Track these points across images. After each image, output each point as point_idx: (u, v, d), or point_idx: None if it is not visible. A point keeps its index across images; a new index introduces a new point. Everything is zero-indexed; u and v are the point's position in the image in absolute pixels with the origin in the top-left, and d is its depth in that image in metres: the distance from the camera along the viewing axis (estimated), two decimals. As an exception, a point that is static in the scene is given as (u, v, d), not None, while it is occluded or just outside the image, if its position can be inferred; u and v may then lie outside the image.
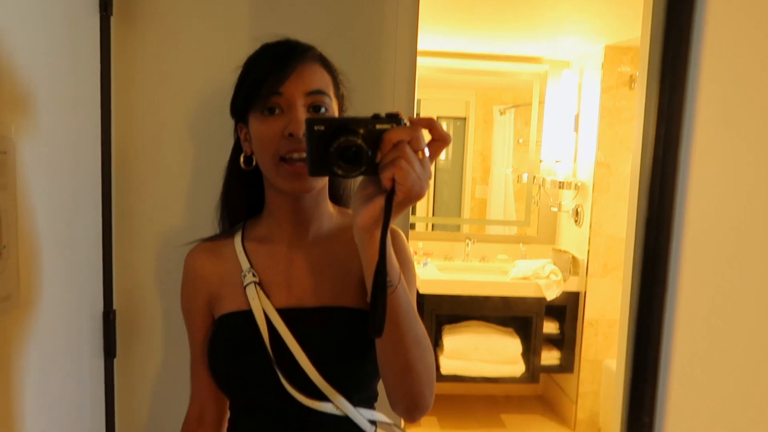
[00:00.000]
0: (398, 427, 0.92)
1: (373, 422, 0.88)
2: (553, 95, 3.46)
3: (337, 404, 0.82)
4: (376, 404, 0.92)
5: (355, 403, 0.85)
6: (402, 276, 0.75)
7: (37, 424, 0.95)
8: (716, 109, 0.61)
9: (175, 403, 1.32)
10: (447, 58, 3.40)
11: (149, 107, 1.22)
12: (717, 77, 0.63)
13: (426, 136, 0.69)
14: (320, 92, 0.83)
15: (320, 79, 0.84)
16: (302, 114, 0.81)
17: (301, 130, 0.76)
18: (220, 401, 0.95)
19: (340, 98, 0.89)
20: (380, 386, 0.86)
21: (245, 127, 0.88)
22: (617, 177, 3.15)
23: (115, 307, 1.23)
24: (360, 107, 1.20)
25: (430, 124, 0.68)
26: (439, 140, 0.69)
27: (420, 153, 0.67)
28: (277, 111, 0.82)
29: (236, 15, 1.21)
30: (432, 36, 3.05)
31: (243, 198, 0.94)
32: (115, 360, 1.24)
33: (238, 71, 0.87)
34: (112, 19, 1.16)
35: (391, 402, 0.83)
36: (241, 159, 0.90)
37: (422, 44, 1.33)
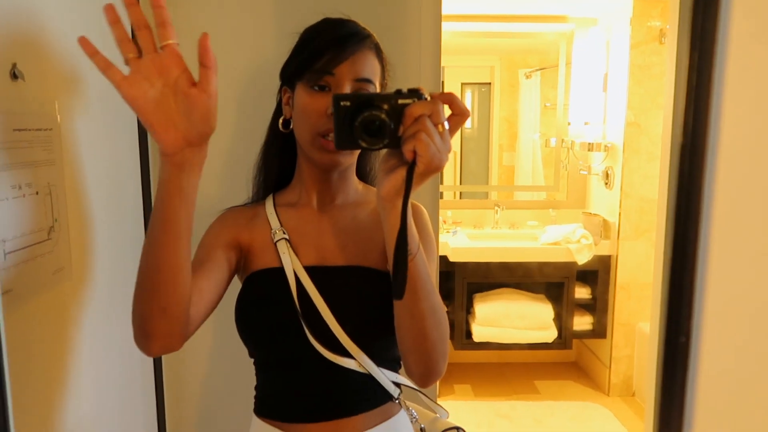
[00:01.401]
0: (420, 392, 0.95)
1: (397, 385, 0.91)
2: (580, 55, 3.38)
3: (360, 360, 0.86)
4: (400, 371, 0.94)
5: (379, 363, 0.88)
6: (421, 247, 0.79)
7: (92, 397, 0.99)
8: (747, 61, 0.59)
9: (224, 376, 1.36)
10: (469, 21, 3.34)
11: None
12: (748, 28, 0.61)
13: (446, 110, 0.72)
14: (368, 80, 0.87)
15: (371, 67, 0.88)
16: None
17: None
18: (197, 312, 0.87)
19: (383, 87, 0.93)
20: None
21: (290, 92, 0.92)
22: (648, 137, 3.08)
23: (158, 279, 1.26)
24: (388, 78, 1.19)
25: (450, 99, 0.72)
26: (459, 114, 0.73)
27: (440, 126, 0.70)
28: (326, 89, 0.86)
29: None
30: None
31: (278, 159, 0.97)
32: (162, 330, 1.28)
33: (295, 37, 0.91)
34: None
35: (407, 368, 0.87)
36: (280, 121, 0.94)
37: (444, 8, 1.31)
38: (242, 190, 1.02)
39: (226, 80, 1.24)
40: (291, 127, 0.91)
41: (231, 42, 1.24)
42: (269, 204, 0.95)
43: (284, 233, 0.89)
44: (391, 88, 0.77)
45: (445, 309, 0.86)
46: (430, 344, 0.82)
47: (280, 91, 0.95)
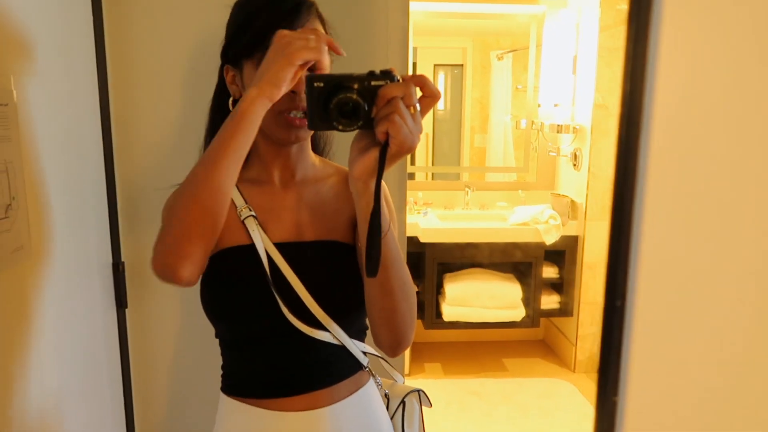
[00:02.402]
0: (386, 360, 0.99)
1: (364, 353, 0.94)
2: (550, 37, 3.41)
3: (334, 332, 0.88)
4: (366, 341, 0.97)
5: (350, 334, 0.91)
6: (391, 224, 0.81)
7: (54, 372, 0.98)
8: (678, 34, 0.60)
9: (189, 350, 1.36)
10: (442, 1, 3.33)
11: (142, 52, 1.20)
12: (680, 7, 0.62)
13: (418, 92, 0.73)
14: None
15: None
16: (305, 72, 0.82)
17: (303, 87, 0.78)
18: None
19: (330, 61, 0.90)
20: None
21: (234, 71, 0.89)
22: (616, 118, 3.12)
23: (123, 259, 1.25)
24: (354, 58, 1.19)
25: (422, 81, 0.73)
26: (430, 96, 0.74)
27: (412, 108, 0.72)
28: None
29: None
30: (426, -20, 2.98)
31: None
32: (127, 310, 1.27)
33: (228, 10, 0.87)
34: (101, -34, 1.13)
35: (376, 339, 0.90)
36: (230, 102, 0.90)
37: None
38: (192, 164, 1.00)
39: (180, 48, 1.22)
40: None
41: (189, 11, 1.21)
42: None
43: (251, 210, 0.89)
44: (356, 68, 0.77)
45: (416, 289, 0.88)
46: (399, 316, 0.85)
47: (221, 70, 0.91)
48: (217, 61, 0.92)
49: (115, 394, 1.25)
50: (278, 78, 0.73)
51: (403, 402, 1.03)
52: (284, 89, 0.74)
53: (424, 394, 1.06)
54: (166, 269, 0.75)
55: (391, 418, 1.02)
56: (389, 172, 1.35)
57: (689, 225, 0.42)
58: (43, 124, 0.94)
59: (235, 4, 0.89)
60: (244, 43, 0.85)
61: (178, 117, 1.24)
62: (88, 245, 1.13)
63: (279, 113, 0.84)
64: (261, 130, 0.87)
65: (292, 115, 0.84)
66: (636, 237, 0.38)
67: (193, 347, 1.36)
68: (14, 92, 0.85)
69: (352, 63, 1.23)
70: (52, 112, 0.98)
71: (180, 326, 1.35)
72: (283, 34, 0.75)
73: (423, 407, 1.07)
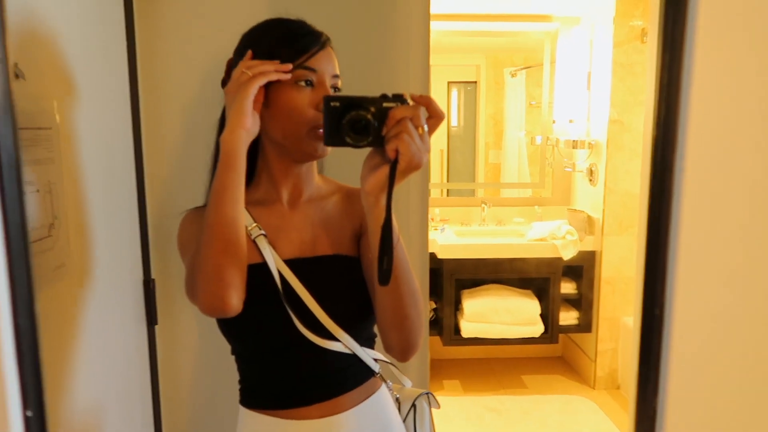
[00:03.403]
0: (395, 366, 1.04)
1: (375, 360, 0.98)
2: (564, 54, 3.44)
3: (345, 342, 0.92)
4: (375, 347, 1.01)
5: (360, 342, 0.94)
6: (400, 236, 0.85)
7: (94, 383, 1.01)
8: (714, 58, 0.62)
9: (212, 363, 1.38)
10: (456, 21, 3.37)
11: (174, 77, 1.25)
12: (714, 27, 0.64)
13: (425, 113, 0.79)
14: (338, 76, 0.94)
15: (337, 64, 0.94)
16: (329, 92, 0.91)
17: None
18: None
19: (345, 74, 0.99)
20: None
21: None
22: (631, 133, 3.14)
23: (153, 276, 1.28)
24: (376, 78, 1.23)
25: (427, 102, 0.79)
26: (435, 117, 0.80)
27: (420, 129, 0.78)
28: (311, 84, 0.90)
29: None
30: (440, -1, 3.03)
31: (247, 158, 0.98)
32: (157, 327, 1.30)
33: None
34: (134, -7, 1.18)
35: (386, 345, 0.94)
36: None
37: (431, 7, 1.35)
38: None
39: (212, 76, 1.26)
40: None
41: (219, 36, 1.25)
42: None
43: (261, 230, 0.93)
44: (379, 87, 0.83)
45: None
46: (409, 322, 0.89)
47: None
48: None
49: (146, 406, 1.27)
50: (242, 107, 0.82)
51: (413, 405, 1.07)
52: (251, 114, 0.83)
53: (433, 396, 1.11)
54: (215, 303, 0.81)
55: (404, 421, 1.05)
56: (411, 191, 1.38)
57: (727, 233, 0.44)
58: (83, 146, 0.98)
59: (254, 31, 0.94)
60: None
61: (206, 140, 1.28)
62: (121, 263, 1.16)
63: (312, 128, 0.89)
64: (276, 150, 0.94)
65: (321, 131, 0.88)
66: (673, 245, 0.39)
67: (216, 361, 1.38)
68: (57, 116, 0.89)
69: (374, 83, 1.27)
70: (90, 135, 1.02)
71: (204, 341, 1.38)
72: (234, 76, 0.85)
73: (432, 409, 1.11)
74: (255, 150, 0.98)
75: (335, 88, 0.93)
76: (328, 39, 0.94)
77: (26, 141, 0.80)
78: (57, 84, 0.91)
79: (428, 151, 0.79)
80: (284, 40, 0.91)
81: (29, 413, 0.35)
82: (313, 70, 0.89)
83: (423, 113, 0.78)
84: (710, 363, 0.43)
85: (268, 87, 0.91)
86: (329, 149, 0.93)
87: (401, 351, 0.93)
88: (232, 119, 0.82)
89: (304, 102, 0.89)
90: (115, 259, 1.12)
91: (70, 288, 0.93)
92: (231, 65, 0.94)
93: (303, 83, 0.89)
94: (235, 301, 0.82)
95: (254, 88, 0.83)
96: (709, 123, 0.46)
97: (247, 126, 0.83)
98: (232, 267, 0.82)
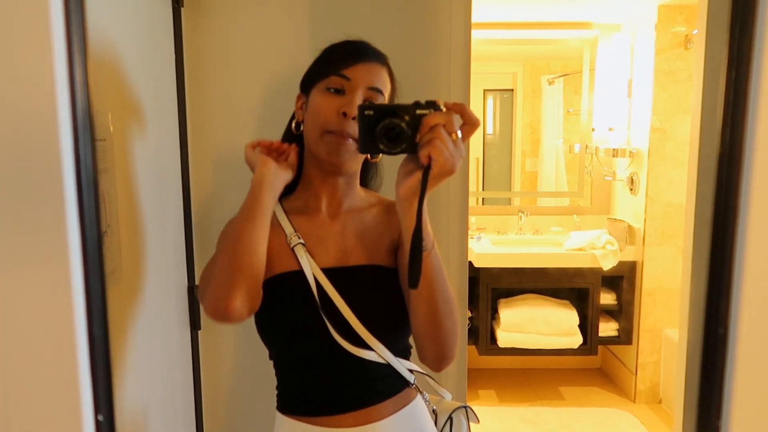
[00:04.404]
0: (431, 377, 1.03)
1: (410, 371, 0.98)
2: (603, 61, 3.38)
3: (379, 352, 0.92)
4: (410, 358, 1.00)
5: (394, 353, 0.94)
6: (435, 243, 0.86)
7: (141, 385, 1.04)
8: None
9: (251, 369, 1.40)
10: (493, 29, 3.36)
11: (219, 89, 1.28)
12: None
13: (459, 120, 0.80)
14: (378, 90, 0.94)
15: (382, 80, 0.95)
16: (360, 101, 0.92)
17: (355, 112, 0.87)
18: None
19: (391, 100, 1.00)
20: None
21: (304, 97, 0.98)
22: (674, 142, 3.07)
23: (197, 282, 1.31)
24: (418, 85, 1.24)
25: (462, 110, 0.80)
26: (470, 124, 0.81)
27: (453, 135, 0.78)
28: (341, 92, 0.92)
29: (296, 1, 1.25)
30: (477, 7, 3.02)
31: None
32: (200, 332, 1.32)
33: (317, 53, 0.98)
34: (183, 10, 1.22)
35: (421, 354, 0.94)
36: (293, 123, 1.00)
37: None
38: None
39: (252, 90, 1.29)
40: (301, 130, 0.98)
41: (263, 50, 1.28)
42: (279, 210, 0.99)
43: (299, 238, 0.95)
44: (421, 94, 0.84)
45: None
46: (443, 331, 0.90)
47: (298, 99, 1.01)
48: (286, 99, 1.00)
49: (188, 409, 1.30)
50: (261, 160, 0.93)
51: (450, 418, 1.06)
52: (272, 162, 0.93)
53: (471, 410, 1.09)
54: (218, 305, 0.85)
55: None
56: (450, 199, 1.38)
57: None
58: (134, 157, 1.01)
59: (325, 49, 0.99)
60: (315, 71, 0.96)
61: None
62: (168, 269, 1.19)
63: (324, 132, 0.92)
64: (314, 160, 0.97)
65: (334, 134, 0.91)
66: (738, 262, 0.38)
67: (255, 366, 1.40)
68: (111, 127, 0.93)
69: (415, 92, 1.27)
70: (141, 146, 1.06)
71: (245, 347, 1.40)
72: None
73: (471, 423, 1.09)
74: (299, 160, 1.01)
75: (371, 100, 0.94)
76: (375, 54, 0.95)
77: (84, 152, 0.83)
78: (111, 96, 0.94)
79: (462, 157, 0.79)
80: (330, 52, 0.95)
81: (101, 418, 0.36)
82: (346, 78, 0.92)
83: (456, 120, 0.79)
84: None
85: (308, 93, 0.96)
86: (351, 164, 0.95)
87: (435, 361, 0.93)
88: (258, 167, 0.93)
89: (329, 106, 0.91)
90: (162, 266, 1.15)
91: (121, 294, 0.96)
92: (311, 67, 0.99)
93: (332, 90, 0.92)
94: (238, 306, 0.84)
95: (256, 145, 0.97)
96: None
97: (270, 167, 0.92)
98: (240, 274, 0.85)
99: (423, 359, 0.94)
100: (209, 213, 1.32)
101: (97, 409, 0.37)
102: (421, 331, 0.91)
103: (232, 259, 0.86)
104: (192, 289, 1.29)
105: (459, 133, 0.79)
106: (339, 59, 0.93)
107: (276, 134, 1.04)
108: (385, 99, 0.96)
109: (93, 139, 0.40)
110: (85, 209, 0.39)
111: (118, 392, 0.93)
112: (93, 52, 0.87)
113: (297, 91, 1.00)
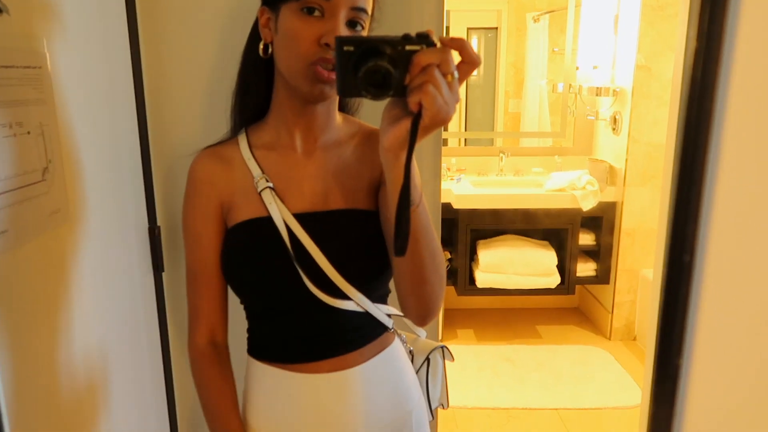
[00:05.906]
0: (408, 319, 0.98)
1: (388, 315, 0.94)
2: (590, -4, 3.27)
3: (357, 301, 0.88)
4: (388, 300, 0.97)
5: (373, 300, 0.90)
6: (423, 194, 0.78)
7: (96, 328, 1.00)
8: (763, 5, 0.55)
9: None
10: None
11: (174, 11, 1.19)
12: None
13: (456, 57, 0.66)
14: (363, 10, 0.82)
15: None
16: (342, 27, 0.80)
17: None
18: (226, 319, 0.96)
19: (372, 20, 0.87)
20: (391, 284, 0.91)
21: (269, 13, 0.85)
22: (659, 81, 3.00)
23: (159, 223, 1.25)
24: (388, 20, 1.15)
25: (461, 46, 0.66)
26: (469, 63, 0.67)
27: (449, 76, 0.65)
28: (316, 13, 0.80)
29: None
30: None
31: (256, 88, 0.92)
32: (164, 274, 1.28)
33: None
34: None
35: (404, 309, 0.89)
36: (260, 46, 0.87)
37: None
38: (224, 128, 0.99)
39: (207, 11, 1.20)
40: (270, 52, 0.86)
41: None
42: (244, 146, 0.91)
43: (267, 181, 0.87)
44: (390, 31, 0.72)
45: (447, 260, 0.87)
46: (429, 287, 0.83)
47: (259, 14, 0.88)
48: (251, 18, 0.90)
49: (154, 350, 1.28)
50: None
51: (428, 359, 1.04)
52: None
53: (447, 349, 1.07)
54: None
55: (416, 373, 1.02)
56: (423, 140, 1.32)
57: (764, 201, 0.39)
58: (78, 87, 0.94)
59: None
60: None
61: (210, 78, 1.23)
62: (125, 209, 1.13)
63: (310, 65, 0.80)
64: (286, 87, 0.86)
65: (321, 67, 0.80)
66: (708, 190, 0.34)
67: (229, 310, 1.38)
68: (47, 55, 0.85)
69: (386, 26, 1.19)
70: (86, 76, 0.98)
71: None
72: None
73: (446, 361, 1.08)
74: (269, 84, 0.90)
75: (353, 22, 0.81)
76: None
77: (13, 80, 0.76)
78: (46, 22, 0.86)
79: (457, 101, 0.67)
80: None
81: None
82: None
83: (452, 58, 0.65)
84: (745, 316, 0.39)
85: (277, 10, 0.83)
86: (333, 92, 0.84)
87: (419, 316, 0.88)
88: None
89: (307, 33, 0.79)
90: (117, 206, 1.10)
91: (68, 234, 0.91)
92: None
93: (305, 10, 0.79)
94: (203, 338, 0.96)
95: None
96: (756, 76, 0.40)
97: None
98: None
99: (406, 313, 0.89)
100: (170, 151, 1.25)
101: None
102: (404, 287, 0.85)
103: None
104: (153, 230, 1.24)
105: (455, 73, 0.66)
106: None
107: (239, 45, 0.94)
108: (368, 17, 0.83)
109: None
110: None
111: (63, 331, 0.90)
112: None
113: (251, 7, 0.88)
